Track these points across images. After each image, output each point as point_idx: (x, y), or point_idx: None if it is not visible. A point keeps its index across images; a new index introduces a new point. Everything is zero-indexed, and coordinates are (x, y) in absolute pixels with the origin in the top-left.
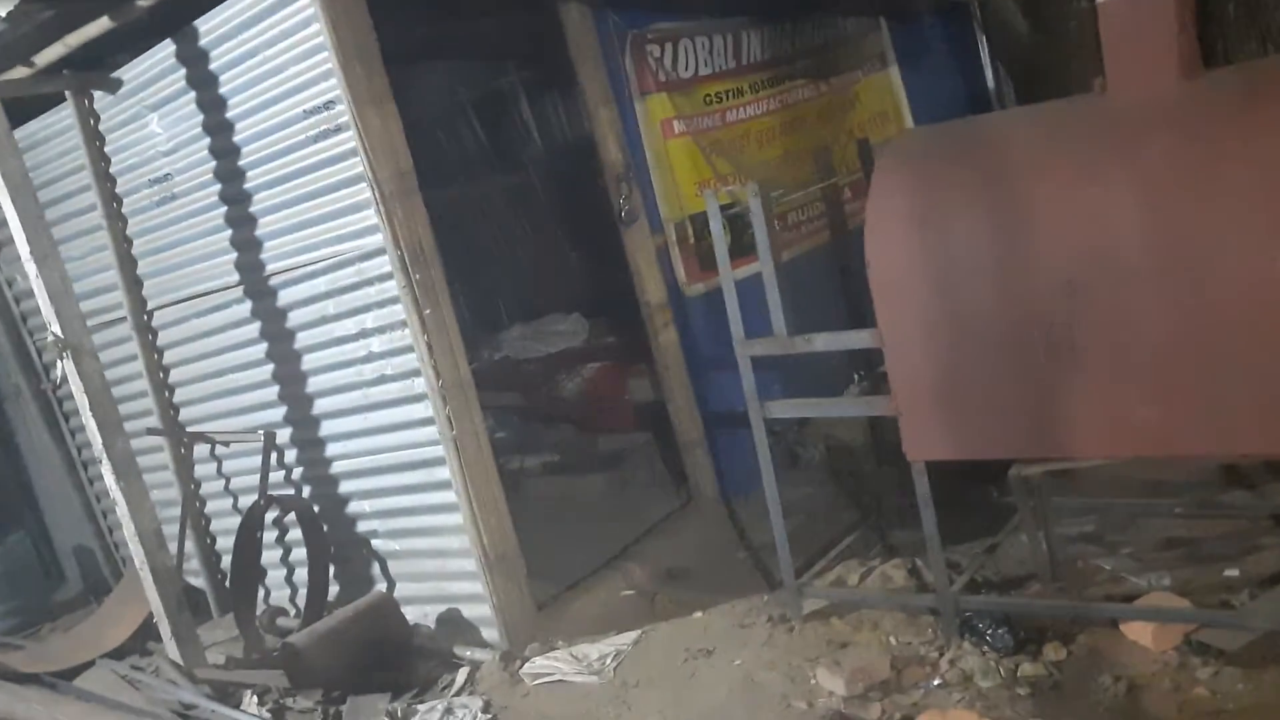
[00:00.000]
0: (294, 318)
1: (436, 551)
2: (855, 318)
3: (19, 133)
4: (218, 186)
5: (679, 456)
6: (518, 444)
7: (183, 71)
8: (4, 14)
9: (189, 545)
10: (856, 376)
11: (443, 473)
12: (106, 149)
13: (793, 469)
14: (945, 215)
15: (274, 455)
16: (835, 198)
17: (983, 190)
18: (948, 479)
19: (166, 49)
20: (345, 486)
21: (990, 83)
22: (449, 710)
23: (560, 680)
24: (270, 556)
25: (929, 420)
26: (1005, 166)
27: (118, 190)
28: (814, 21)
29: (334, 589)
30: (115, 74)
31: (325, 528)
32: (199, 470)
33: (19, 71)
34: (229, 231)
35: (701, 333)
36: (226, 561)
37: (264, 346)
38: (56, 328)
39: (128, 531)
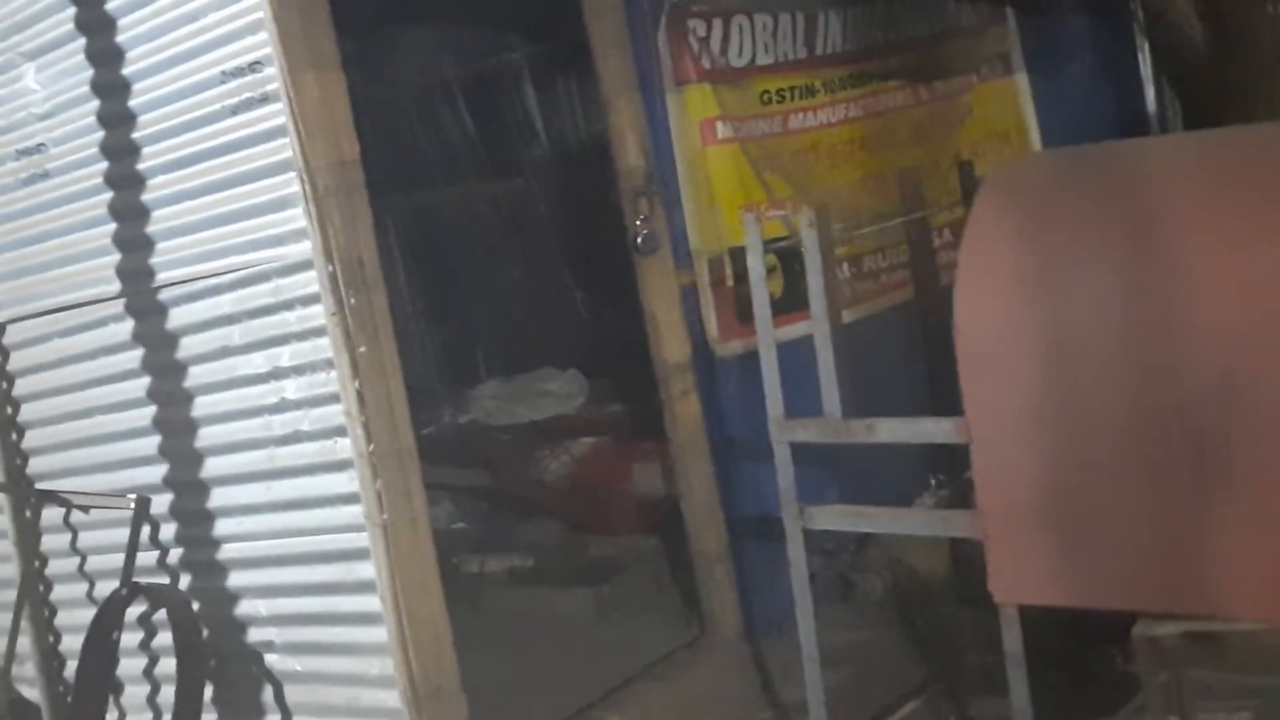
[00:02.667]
0: (187, 346)
1: (349, 677)
2: (943, 401)
3: None
4: (104, 165)
5: (692, 573)
6: (480, 539)
7: (71, 10)
8: None
9: (24, 642)
10: (933, 482)
11: (365, 570)
12: None
13: (845, 603)
14: (1065, 271)
15: (146, 529)
16: (927, 239)
17: (1118, 241)
18: (1050, 632)
19: None
20: (236, 579)
21: (1151, 103)
22: None
23: None
24: (130, 666)
25: (1026, 549)
26: (1151, 211)
27: None
28: (917, 5)
29: (209, 718)
30: None
31: (204, 632)
32: (46, 542)
33: None
34: (113, 225)
35: (734, 407)
36: (72, 668)
37: (145, 382)
38: None
39: None
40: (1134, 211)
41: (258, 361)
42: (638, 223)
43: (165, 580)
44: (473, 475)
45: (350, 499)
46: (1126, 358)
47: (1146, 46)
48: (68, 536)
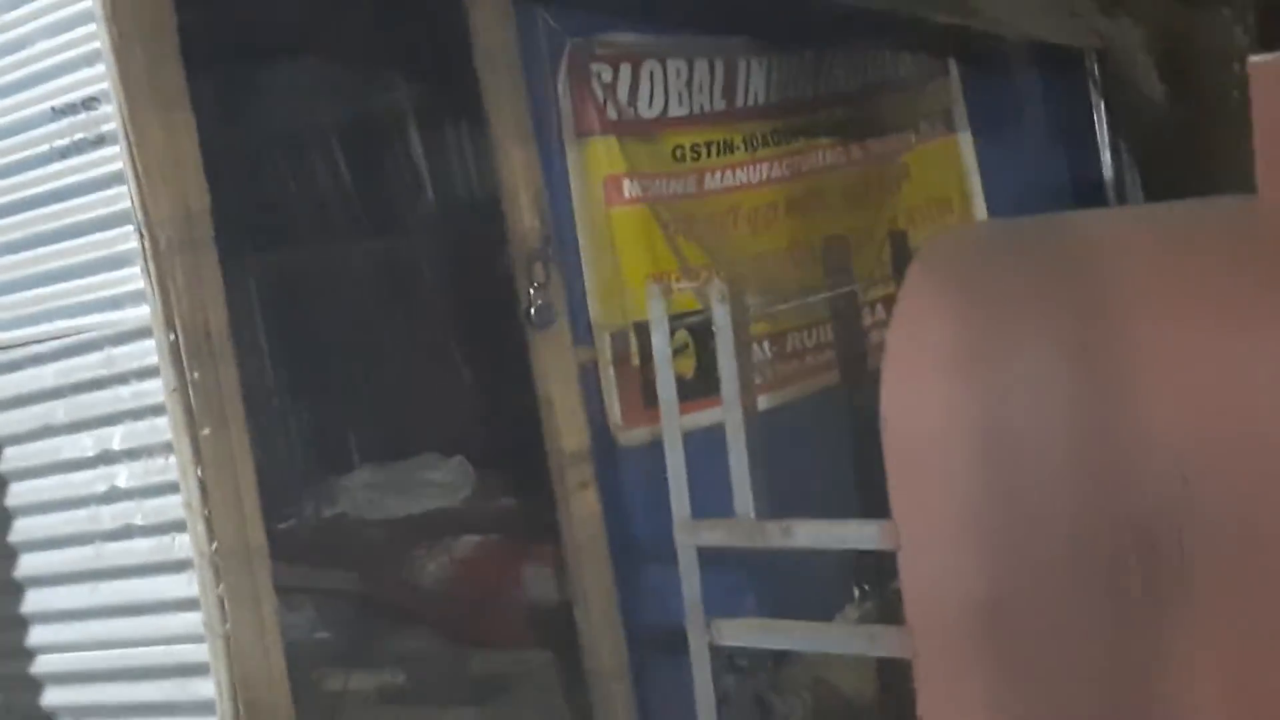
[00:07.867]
0: (1, 424)
1: None
2: (873, 502)
3: None
4: None
5: (587, 692)
6: (345, 651)
7: None
8: None
9: None
10: (857, 593)
11: (204, 688)
12: None
13: None
14: (1005, 358)
15: None
16: (856, 316)
17: (1064, 326)
18: None
19: None
20: (52, 697)
21: (1107, 169)
22: None
23: None
24: None
25: (960, 670)
26: (1102, 293)
27: None
28: (850, 55)
29: None
30: None
31: None
32: None
33: None
34: None
35: (639, 503)
36: None
37: None
38: None
39: None
40: (1083, 293)
41: (85, 443)
42: (531, 291)
43: None
44: (338, 577)
45: (188, 605)
46: (1072, 455)
47: (1103, 107)
48: None
